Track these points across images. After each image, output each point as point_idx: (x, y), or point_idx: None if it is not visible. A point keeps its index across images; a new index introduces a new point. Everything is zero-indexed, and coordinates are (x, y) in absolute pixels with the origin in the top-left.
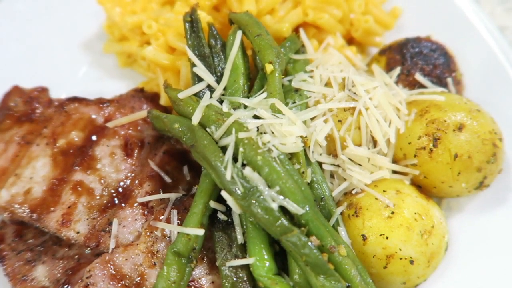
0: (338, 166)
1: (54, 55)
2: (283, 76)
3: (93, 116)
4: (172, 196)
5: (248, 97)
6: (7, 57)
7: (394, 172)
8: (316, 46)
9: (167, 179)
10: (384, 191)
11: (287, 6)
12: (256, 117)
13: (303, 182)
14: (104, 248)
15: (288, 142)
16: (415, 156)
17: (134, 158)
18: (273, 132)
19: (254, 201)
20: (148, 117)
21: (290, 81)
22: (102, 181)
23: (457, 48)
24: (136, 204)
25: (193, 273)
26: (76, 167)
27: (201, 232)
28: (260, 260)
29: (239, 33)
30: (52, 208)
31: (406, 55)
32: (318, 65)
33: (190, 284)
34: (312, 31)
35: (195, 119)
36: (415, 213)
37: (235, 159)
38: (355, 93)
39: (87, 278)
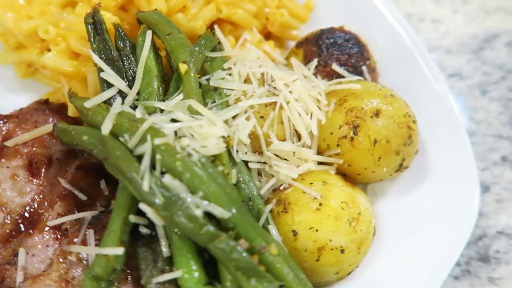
0: (264, 163)
1: None
2: (200, 76)
3: None
4: (88, 215)
5: (164, 100)
6: None
7: (320, 163)
8: (233, 43)
9: (82, 197)
10: (311, 183)
11: (199, 3)
12: (174, 121)
13: (228, 184)
14: (11, 283)
15: (209, 144)
16: (337, 145)
17: (42, 177)
18: (192, 135)
19: (177, 210)
20: (54, 131)
21: (208, 80)
22: (3, 208)
23: (369, 37)
24: (46, 229)
25: None
26: None
27: (120, 251)
28: (189, 272)
29: (149, 33)
30: None
31: (322, 46)
32: (236, 62)
33: None
34: (228, 27)
35: (105, 128)
36: (342, 202)
37: (153, 168)
38: (275, 88)
39: None
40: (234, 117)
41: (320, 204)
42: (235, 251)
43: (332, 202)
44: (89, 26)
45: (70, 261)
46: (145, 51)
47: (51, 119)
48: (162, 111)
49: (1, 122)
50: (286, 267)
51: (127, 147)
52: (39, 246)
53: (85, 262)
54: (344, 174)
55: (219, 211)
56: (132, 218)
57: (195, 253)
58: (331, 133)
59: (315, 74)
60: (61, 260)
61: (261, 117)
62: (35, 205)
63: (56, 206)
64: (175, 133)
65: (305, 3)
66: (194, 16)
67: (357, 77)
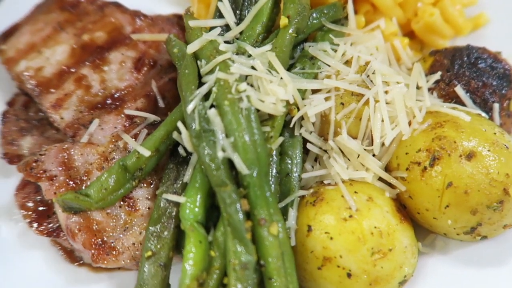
0: (325, 151)
1: None
2: (297, 36)
3: (123, 24)
4: (151, 117)
5: (256, 47)
6: None
7: (381, 180)
8: (361, 23)
9: (161, 103)
10: (355, 192)
11: None
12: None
13: (263, 145)
14: (78, 140)
15: (267, 101)
16: (407, 169)
17: (141, 74)
18: (258, 87)
19: (205, 144)
20: (165, 40)
21: (311, 47)
22: (102, 83)
23: None
24: (122, 115)
25: (135, 192)
26: (87, 63)
27: (147, 153)
28: (191, 203)
29: None
30: (52, 90)
31: (455, 61)
32: (352, 42)
33: (126, 200)
34: (366, 7)
35: (190, 48)
36: (375, 227)
37: (208, 97)
38: (371, 81)
39: (40, 154)
40: (315, 92)
41: (350, 216)
42: (232, 206)
43: (364, 221)
44: None
45: (118, 145)
46: None
47: (174, 30)
48: (250, 55)
49: (139, 18)
50: (276, 251)
51: (199, 71)
52: (110, 124)
53: (127, 152)
54: (404, 206)
55: (239, 164)
56: (175, 134)
57: (206, 192)
58: (406, 153)
59: (432, 89)
60: (112, 141)
61: (341, 103)
62: (125, 92)
63: (139, 101)
64: (246, 77)
65: (475, 16)
66: None
67: (479, 112)
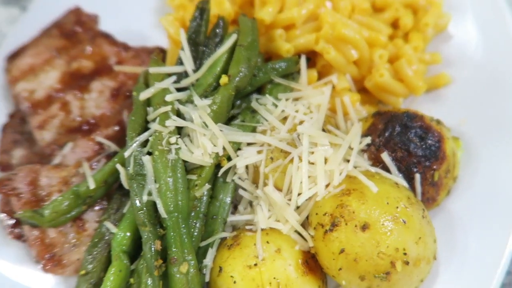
0: (256, 197)
1: None
2: (253, 91)
3: (109, 55)
4: (112, 147)
5: (206, 96)
6: None
7: (298, 232)
8: (313, 78)
9: None
10: (267, 242)
11: (307, 28)
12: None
13: (185, 193)
14: (53, 159)
15: (196, 153)
16: (314, 228)
17: (117, 103)
18: (192, 140)
19: (135, 186)
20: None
21: (258, 99)
22: (82, 109)
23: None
24: (93, 141)
25: (86, 214)
26: (72, 90)
27: (92, 185)
28: (122, 234)
29: (233, 36)
30: (39, 111)
31: (387, 128)
32: (298, 97)
33: (77, 220)
34: (323, 61)
35: (142, 95)
36: (274, 278)
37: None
38: (300, 140)
39: (13, 174)
40: (252, 144)
41: (255, 264)
42: (147, 244)
43: (266, 271)
44: (197, 10)
45: (78, 172)
46: (221, 50)
47: None
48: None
49: (124, 50)
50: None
51: (146, 117)
52: (81, 148)
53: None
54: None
55: (160, 209)
56: (119, 167)
57: (136, 226)
58: (316, 214)
59: (364, 151)
60: (76, 166)
61: (271, 158)
62: (100, 119)
63: (111, 128)
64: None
65: (436, 75)
66: (292, 37)
67: (400, 180)
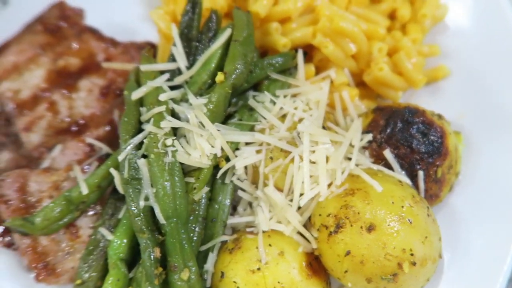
0: (256, 198)
1: None
2: (249, 88)
3: (96, 51)
4: (105, 149)
5: (202, 95)
6: None
7: (300, 234)
8: (311, 73)
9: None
10: (270, 245)
11: (303, 21)
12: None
13: (183, 197)
14: (41, 162)
15: (193, 155)
16: (318, 229)
17: (106, 102)
18: (188, 141)
19: (131, 191)
20: (130, 71)
21: (255, 96)
22: (70, 109)
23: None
24: (83, 142)
25: (79, 220)
26: (59, 89)
27: (85, 191)
28: (119, 241)
29: (227, 31)
30: (25, 111)
31: (389, 124)
32: (296, 93)
33: (70, 227)
34: (320, 55)
35: (134, 95)
36: (279, 282)
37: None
38: (301, 139)
39: (1, 180)
40: (250, 143)
41: (258, 269)
42: (146, 252)
43: (270, 275)
44: (189, 4)
45: (69, 176)
46: (215, 46)
47: None
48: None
49: (112, 46)
50: None
51: (139, 118)
52: (71, 150)
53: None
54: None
55: (158, 214)
56: (113, 171)
57: (133, 232)
58: (320, 215)
59: (365, 148)
60: (67, 169)
61: (271, 157)
62: (89, 119)
63: (101, 129)
64: (175, 129)
65: (435, 68)
66: (288, 31)
67: (403, 178)
